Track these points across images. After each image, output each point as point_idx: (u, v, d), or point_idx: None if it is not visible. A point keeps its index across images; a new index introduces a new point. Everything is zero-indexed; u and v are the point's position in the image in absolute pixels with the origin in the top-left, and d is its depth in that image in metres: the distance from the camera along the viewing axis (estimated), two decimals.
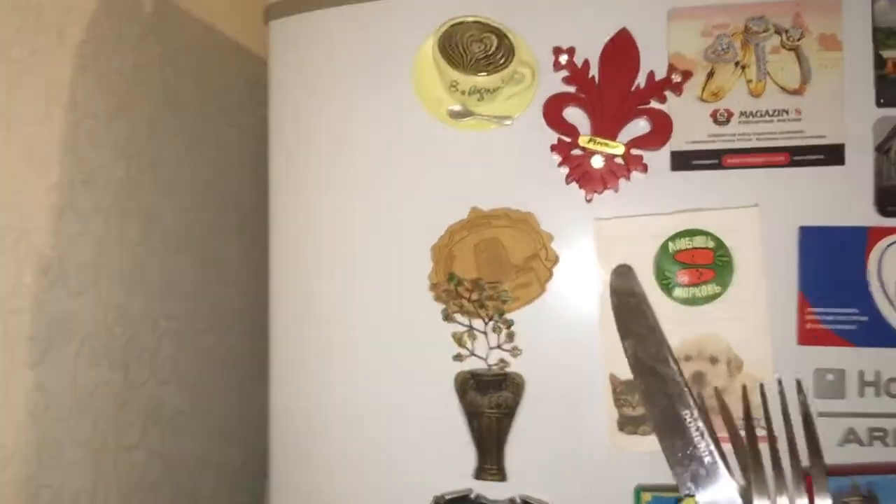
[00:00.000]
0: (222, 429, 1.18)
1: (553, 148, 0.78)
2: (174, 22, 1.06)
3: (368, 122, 0.83)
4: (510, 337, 0.76)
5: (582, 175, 0.77)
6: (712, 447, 0.70)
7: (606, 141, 0.77)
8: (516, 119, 0.79)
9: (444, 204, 0.80)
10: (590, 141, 0.77)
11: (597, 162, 0.77)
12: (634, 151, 0.77)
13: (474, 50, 0.76)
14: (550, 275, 0.78)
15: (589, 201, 0.77)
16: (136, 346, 0.99)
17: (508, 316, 0.77)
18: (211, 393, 1.16)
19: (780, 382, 0.73)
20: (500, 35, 0.77)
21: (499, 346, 0.77)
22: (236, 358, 1.22)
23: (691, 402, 0.71)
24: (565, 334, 0.78)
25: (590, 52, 0.78)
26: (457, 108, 0.80)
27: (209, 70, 1.14)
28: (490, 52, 0.76)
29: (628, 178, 0.77)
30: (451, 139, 0.81)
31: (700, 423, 0.71)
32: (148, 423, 1.01)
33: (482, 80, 0.76)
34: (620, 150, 0.76)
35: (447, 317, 0.77)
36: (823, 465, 0.68)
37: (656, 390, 0.73)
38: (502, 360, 0.77)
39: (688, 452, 0.71)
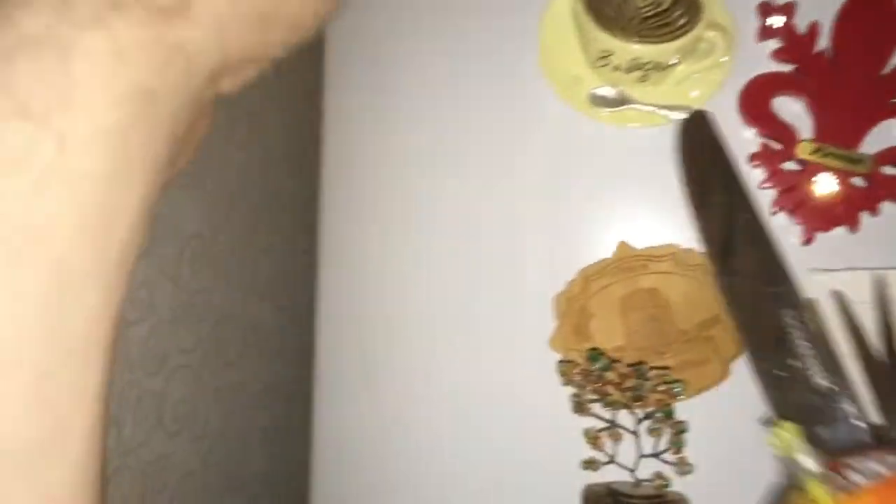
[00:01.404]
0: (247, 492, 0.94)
1: (754, 158, 0.51)
2: None
3: (462, 108, 0.57)
4: (678, 445, 0.50)
5: (798, 202, 0.50)
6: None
7: (842, 151, 0.49)
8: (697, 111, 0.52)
9: (578, 236, 0.54)
10: (815, 150, 0.50)
11: (824, 183, 0.50)
12: (888, 170, 0.49)
13: (638, 4, 0.49)
14: (739, 350, 0.51)
15: (807, 243, 0.50)
16: (135, 392, 0.75)
17: (685, 413, 0.50)
18: (235, 443, 0.92)
19: None
20: None
21: (656, 455, 0.51)
22: (269, 396, 0.98)
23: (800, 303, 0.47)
24: (761, 442, 0.51)
25: (819, 10, 0.50)
26: (606, 91, 0.53)
27: None
28: (663, 8, 0.49)
29: (874, 210, 0.49)
30: (593, 138, 0.54)
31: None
32: (148, 493, 0.77)
33: (649, 49, 0.49)
34: (865, 165, 0.49)
35: (579, 407, 0.51)
36: None
37: (748, 274, 0.48)
38: (660, 476, 0.51)
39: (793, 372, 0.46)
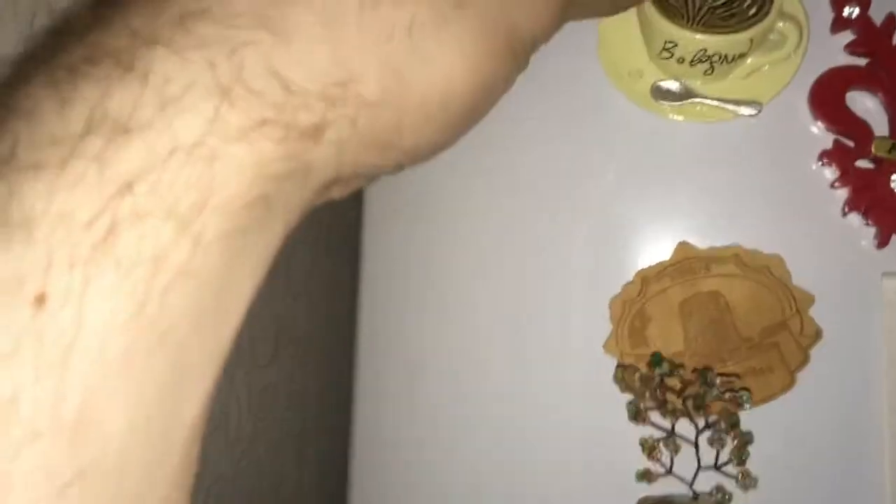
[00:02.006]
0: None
1: (825, 156, 0.48)
2: None
3: (517, 99, 0.55)
4: (741, 457, 0.47)
5: (873, 203, 0.48)
6: None
7: None
8: (766, 106, 0.49)
9: (635, 235, 0.52)
10: (892, 148, 0.47)
11: None
12: None
13: None
14: (806, 358, 0.49)
15: (883, 245, 0.48)
16: None
17: (744, 424, 0.48)
18: (267, 447, 0.90)
19: None
20: None
21: (717, 468, 0.48)
22: (303, 399, 0.97)
23: None
24: (829, 455, 0.48)
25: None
26: (669, 84, 0.51)
27: None
28: None
29: None
30: (654, 134, 0.52)
31: None
32: None
33: (717, 40, 0.46)
34: None
35: (637, 414, 0.49)
36: None
37: None
38: (721, 490, 0.49)
39: None
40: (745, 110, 0.49)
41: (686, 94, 0.50)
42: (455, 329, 0.56)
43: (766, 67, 0.49)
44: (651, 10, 0.47)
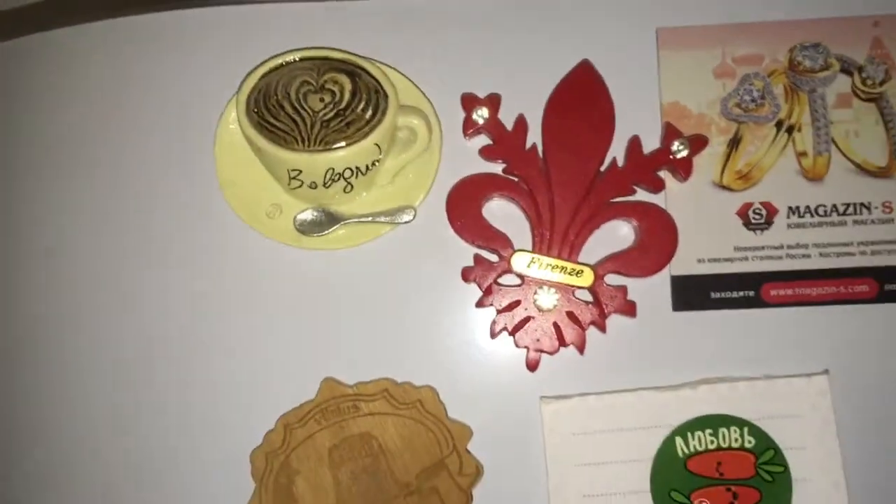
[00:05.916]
0: None
1: (467, 273, 0.44)
2: None
3: (143, 238, 0.47)
4: None
5: (519, 323, 0.43)
6: None
7: (561, 262, 0.43)
8: (420, 207, 0.44)
9: (273, 374, 0.45)
10: (532, 262, 0.43)
11: (546, 299, 0.43)
12: (611, 281, 0.43)
13: (314, 108, 0.41)
14: (468, 498, 0.43)
15: (533, 368, 0.43)
16: None
17: None
18: None
19: None
20: (352, 72, 0.42)
21: None
22: None
23: None
24: None
25: (527, 102, 0.44)
26: (309, 214, 0.45)
27: None
28: (343, 106, 0.41)
29: (602, 327, 0.43)
30: (294, 266, 0.45)
31: None
32: None
33: (341, 155, 0.41)
34: (587, 278, 0.43)
35: None
36: None
37: None
38: None
39: None
40: (401, 217, 0.44)
41: (331, 220, 0.44)
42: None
43: (408, 167, 0.44)
44: (261, 142, 0.41)
